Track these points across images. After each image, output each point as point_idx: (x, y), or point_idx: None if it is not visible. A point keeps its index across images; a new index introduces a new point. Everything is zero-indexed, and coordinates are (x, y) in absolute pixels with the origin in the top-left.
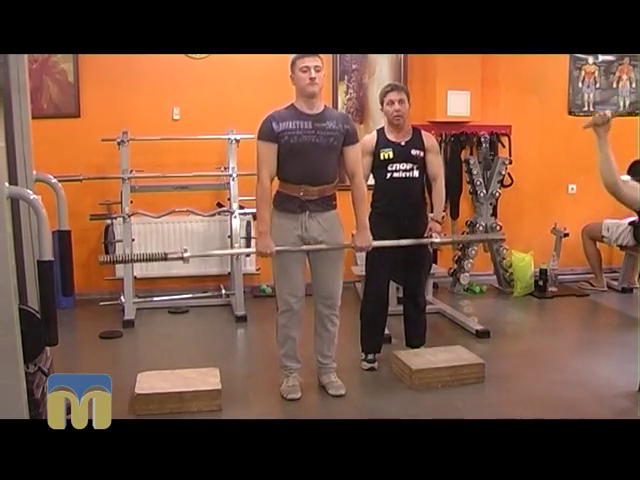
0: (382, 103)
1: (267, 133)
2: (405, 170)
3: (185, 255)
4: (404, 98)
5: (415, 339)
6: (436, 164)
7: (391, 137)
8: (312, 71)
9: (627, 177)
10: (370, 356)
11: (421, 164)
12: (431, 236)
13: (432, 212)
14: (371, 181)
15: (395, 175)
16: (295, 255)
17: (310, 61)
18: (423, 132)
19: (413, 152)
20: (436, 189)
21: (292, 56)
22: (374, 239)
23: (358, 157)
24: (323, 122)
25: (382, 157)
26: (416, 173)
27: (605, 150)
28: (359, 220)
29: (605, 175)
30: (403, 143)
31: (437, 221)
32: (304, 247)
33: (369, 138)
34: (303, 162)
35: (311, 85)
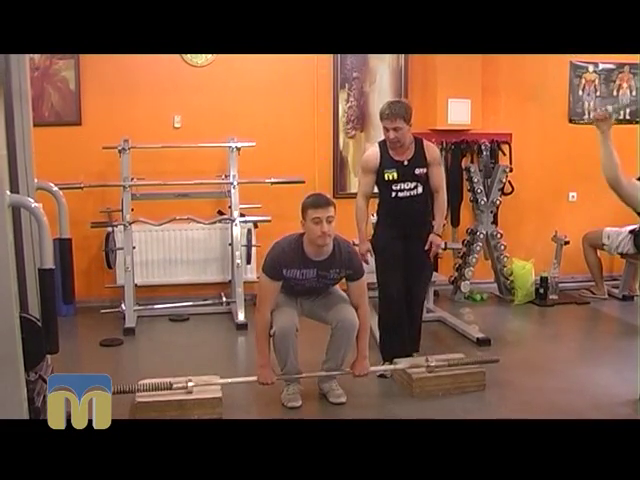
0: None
1: (275, 275)
2: (409, 189)
3: (189, 385)
4: (399, 125)
5: (410, 346)
6: (438, 176)
7: (394, 155)
8: (324, 223)
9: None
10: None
11: (424, 180)
12: (431, 249)
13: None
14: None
15: (400, 195)
16: (291, 303)
17: (322, 212)
18: (425, 143)
19: (417, 172)
20: (438, 201)
21: (304, 201)
22: (381, 245)
23: (362, 291)
24: (327, 270)
25: (387, 178)
26: (420, 190)
27: (607, 145)
28: (359, 350)
29: (607, 169)
30: (406, 162)
31: (437, 234)
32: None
33: (372, 155)
34: (302, 293)
35: (322, 238)
